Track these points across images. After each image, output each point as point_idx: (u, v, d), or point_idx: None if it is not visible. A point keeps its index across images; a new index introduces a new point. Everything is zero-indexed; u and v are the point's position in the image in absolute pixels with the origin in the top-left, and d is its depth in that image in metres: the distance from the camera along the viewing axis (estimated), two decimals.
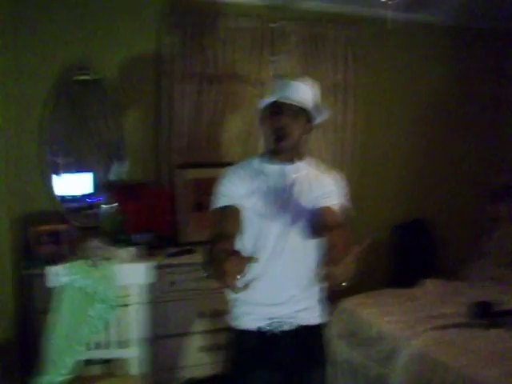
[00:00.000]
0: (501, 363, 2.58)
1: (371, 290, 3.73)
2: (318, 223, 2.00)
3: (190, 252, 3.63)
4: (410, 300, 3.60)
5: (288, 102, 2.02)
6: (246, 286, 1.62)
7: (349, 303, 3.48)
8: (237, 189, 2.05)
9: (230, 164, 3.93)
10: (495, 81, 5.10)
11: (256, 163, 2.15)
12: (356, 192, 4.45)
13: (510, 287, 3.90)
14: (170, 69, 3.81)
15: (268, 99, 2.09)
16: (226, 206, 2.02)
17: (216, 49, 3.90)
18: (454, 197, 4.98)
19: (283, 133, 2.03)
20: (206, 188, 3.85)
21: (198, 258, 3.54)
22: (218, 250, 1.74)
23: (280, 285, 2.03)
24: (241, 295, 1.98)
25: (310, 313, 2.10)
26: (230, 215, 2.01)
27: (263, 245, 2.02)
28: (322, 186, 2.13)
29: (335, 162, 4.39)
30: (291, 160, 2.13)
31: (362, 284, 3.62)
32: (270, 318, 2.03)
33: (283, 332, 2.04)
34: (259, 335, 2.04)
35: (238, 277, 1.56)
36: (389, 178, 4.76)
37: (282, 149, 2.07)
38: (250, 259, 1.62)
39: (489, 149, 5.14)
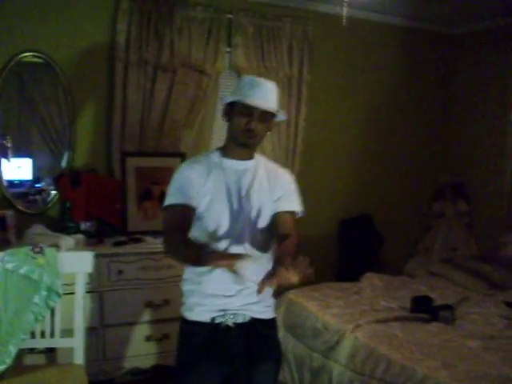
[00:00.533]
0: (440, 355, 2.67)
1: (318, 283, 3.79)
2: (276, 227, 2.08)
3: (138, 241, 3.60)
4: (354, 293, 3.68)
5: (260, 106, 2.01)
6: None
7: (295, 295, 3.53)
8: (193, 185, 2.04)
9: (181, 154, 3.98)
10: (443, 82, 5.26)
11: (214, 157, 2.14)
12: (304, 186, 4.50)
13: (451, 282, 4.03)
14: (123, 55, 3.75)
15: (237, 97, 2.05)
16: (179, 205, 2.02)
17: (172, 37, 3.85)
18: (400, 193, 5.10)
19: (252, 134, 2.04)
20: (156, 177, 3.89)
21: (145, 247, 3.54)
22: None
23: (233, 277, 2.02)
24: (195, 287, 2.05)
25: (262, 306, 2.11)
26: (186, 215, 2.02)
27: (218, 237, 2.03)
28: (282, 184, 2.17)
29: (287, 155, 4.43)
30: (250, 156, 2.15)
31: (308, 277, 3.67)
32: (223, 310, 2.04)
33: (236, 324, 2.04)
34: (212, 327, 2.04)
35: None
36: (337, 173, 4.83)
37: (249, 147, 2.10)
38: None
39: (434, 147, 5.29)
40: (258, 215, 2.08)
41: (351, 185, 4.91)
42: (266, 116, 2.05)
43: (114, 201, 3.74)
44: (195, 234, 2.05)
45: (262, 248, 2.10)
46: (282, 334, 3.34)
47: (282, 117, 2.15)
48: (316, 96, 4.54)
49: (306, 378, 3.12)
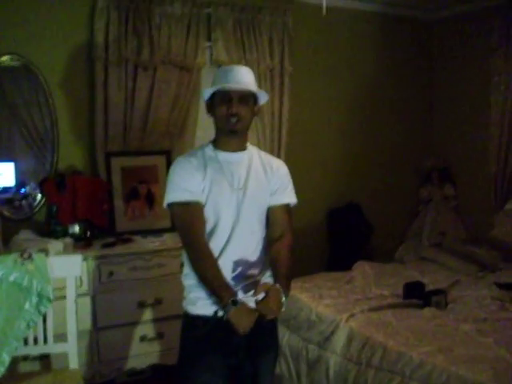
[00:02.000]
0: (435, 340, 2.67)
1: (309, 274, 3.79)
2: (271, 223, 2.16)
3: (127, 241, 3.58)
4: (347, 283, 3.68)
5: (236, 87, 2.04)
6: None
7: None
8: (195, 179, 2.06)
9: (166, 152, 3.96)
10: (425, 66, 5.27)
11: (208, 151, 2.15)
12: (292, 176, 4.51)
13: (442, 267, 4.05)
14: (103, 54, 3.70)
15: (214, 88, 2.09)
16: (190, 202, 2.04)
17: (151, 34, 3.81)
18: (387, 180, 5.11)
19: (237, 119, 2.06)
20: (142, 176, 3.88)
21: (135, 247, 3.52)
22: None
23: (233, 270, 2.07)
24: (196, 281, 2.07)
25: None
26: (197, 213, 2.05)
27: (218, 232, 2.07)
28: (278, 176, 2.21)
29: (273, 147, 4.42)
30: (243, 146, 2.18)
31: (299, 268, 3.68)
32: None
33: None
34: (215, 320, 2.05)
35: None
36: (323, 162, 4.83)
37: (237, 132, 2.10)
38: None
39: (419, 132, 5.31)
40: (256, 206, 2.13)
41: (338, 174, 4.91)
42: (246, 98, 2.08)
43: (100, 202, 3.70)
44: None
45: (259, 240, 2.15)
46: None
47: (263, 98, 2.18)
48: (299, 87, 4.53)
49: (303, 370, 3.11)
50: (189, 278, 2.11)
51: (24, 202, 3.70)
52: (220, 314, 2.03)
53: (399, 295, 3.36)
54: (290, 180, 2.27)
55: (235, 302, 1.91)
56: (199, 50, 4.02)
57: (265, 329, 2.13)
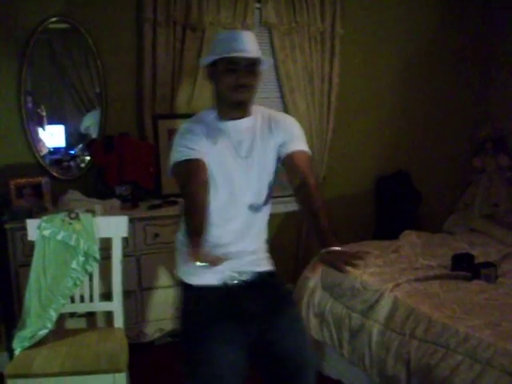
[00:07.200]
0: (482, 314, 2.60)
1: (355, 242, 3.74)
2: (290, 170, 2.02)
3: (173, 203, 3.60)
4: (393, 252, 3.61)
5: (245, 55, 1.91)
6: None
7: None
8: (199, 140, 1.95)
9: None
10: (482, 32, 5.02)
11: (210, 120, 2.03)
12: (340, 143, 4.45)
13: (493, 239, 3.94)
14: (151, 16, 3.68)
15: (218, 55, 1.93)
16: (191, 159, 1.92)
17: None
18: (439, 148, 4.97)
19: (246, 88, 1.93)
20: None
21: (181, 209, 3.52)
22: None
23: (235, 239, 2.03)
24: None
25: (262, 261, 2.11)
26: (197, 167, 1.91)
27: (222, 201, 1.99)
28: (283, 128, 2.07)
29: (322, 112, 4.34)
30: (248, 113, 2.04)
31: (346, 236, 3.63)
32: (230, 270, 1.98)
33: (245, 282, 2.02)
34: (223, 289, 1.99)
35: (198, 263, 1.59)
36: (373, 129, 4.71)
37: (244, 103, 1.98)
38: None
39: (474, 99, 5.11)
40: (265, 174, 2.04)
41: (388, 141, 4.79)
42: (254, 66, 1.95)
43: (147, 164, 3.72)
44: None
45: (266, 203, 2.09)
46: (320, 293, 3.33)
47: (267, 63, 2.04)
48: (349, 50, 4.40)
49: (345, 338, 3.09)
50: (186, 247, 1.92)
51: (72, 162, 3.78)
52: (230, 283, 1.99)
53: (447, 266, 3.28)
54: (301, 131, 2.11)
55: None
56: (248, 12, 3.94)
57: (273, 286, 2.09)
